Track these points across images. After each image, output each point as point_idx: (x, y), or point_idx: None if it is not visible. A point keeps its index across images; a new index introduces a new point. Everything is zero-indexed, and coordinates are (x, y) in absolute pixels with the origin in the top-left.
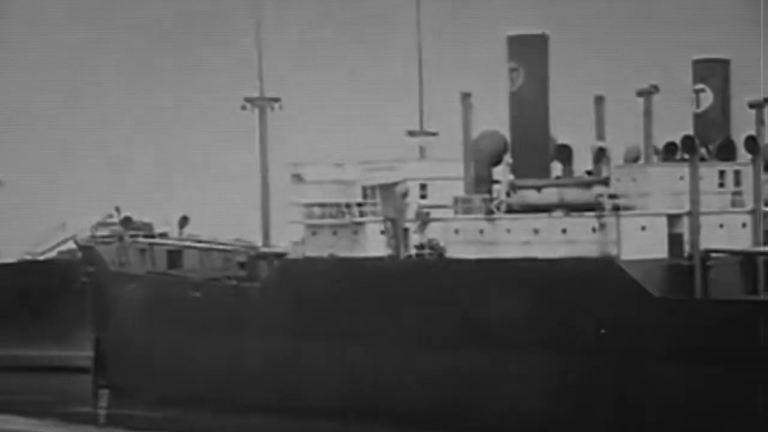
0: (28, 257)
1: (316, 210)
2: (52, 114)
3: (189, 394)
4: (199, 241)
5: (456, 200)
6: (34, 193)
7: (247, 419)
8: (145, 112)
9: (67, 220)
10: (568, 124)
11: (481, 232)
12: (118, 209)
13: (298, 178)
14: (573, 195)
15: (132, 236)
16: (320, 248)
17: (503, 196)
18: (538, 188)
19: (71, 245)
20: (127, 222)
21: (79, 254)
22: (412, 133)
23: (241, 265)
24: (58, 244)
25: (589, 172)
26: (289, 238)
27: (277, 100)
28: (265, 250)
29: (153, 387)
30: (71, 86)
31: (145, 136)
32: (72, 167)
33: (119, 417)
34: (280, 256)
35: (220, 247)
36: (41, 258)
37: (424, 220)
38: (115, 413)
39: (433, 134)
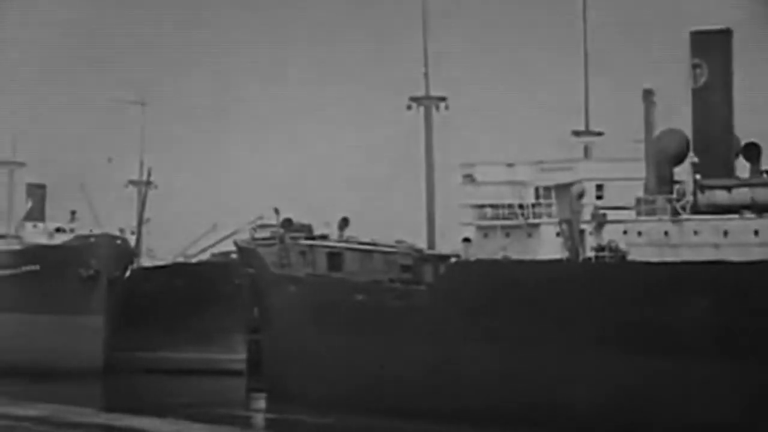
0: (181, 259)
1: (488, 211)
2: (206, 114)
3: (352, 398)
4: (360, 243)
5: (638, 201)
6: (187, 195)
7: (412, 425)
8: (303, 111)
9: (218, 221)
10: (746, 122)
11: (666, 234)
12: (277, 210)
13: (469, 178)
14: (766, 195)
15: (293, 238)
16: (492, 250)
17: (689, 197)
18: (728, 188)
19: (223, 247)
20: (287, 223)
21: (233, 256)
22: (577, 133)
23: (404, 267)
24: (211, 246)
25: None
26: (453, 240)
27: (443, 99)
28: (431, 252)
29: (314, 391)
30: (224, 85)
31: (304, 135)
32: (224, 168)
33: (277, 421)
34: (445, 258)
35: (383, 249)
36: (194, 260)
37: (600, 221)
38: (272, 417)
39: (599, 134)
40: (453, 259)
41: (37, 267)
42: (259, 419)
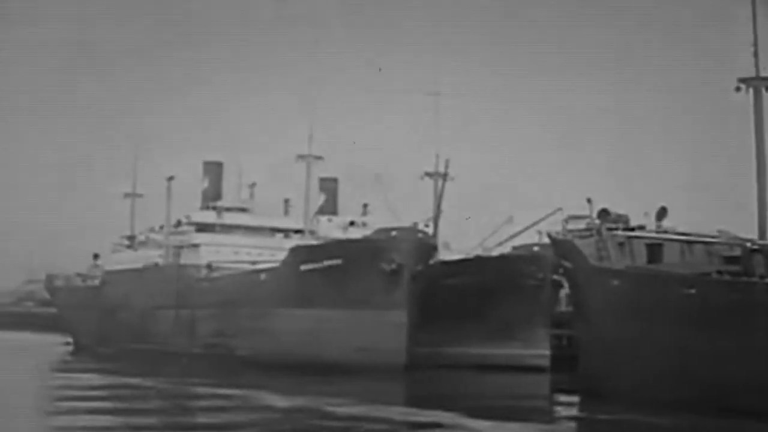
0: (480, 252)
1: None
2: (498, 107)
3: (681, 397)
4: (681, 234)
5: None
6: (481, 186)
7: (754, 427)
8: (615, 100)
9: (514, 213)
10: None
11: None
12: (590, 200)
13: None
14: None
15: (609, 229)
16: None
17: None
18: None
19: (524, 239)
20: (604, 214)
21: (535, 249)
22: None
23: (729, 259)
24: (510, 238)
25: None
26: None
27: None
28: (762, 242)
29: (636, 390)
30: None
31: (612, 124)
32: (520, 160)
33: (590, 421)
34: None
35: (705, 239)
36: (494, 253)
37: None
38: (605, 418)
39: None
40: None
41: (339, 261)
42: (582, 419)
